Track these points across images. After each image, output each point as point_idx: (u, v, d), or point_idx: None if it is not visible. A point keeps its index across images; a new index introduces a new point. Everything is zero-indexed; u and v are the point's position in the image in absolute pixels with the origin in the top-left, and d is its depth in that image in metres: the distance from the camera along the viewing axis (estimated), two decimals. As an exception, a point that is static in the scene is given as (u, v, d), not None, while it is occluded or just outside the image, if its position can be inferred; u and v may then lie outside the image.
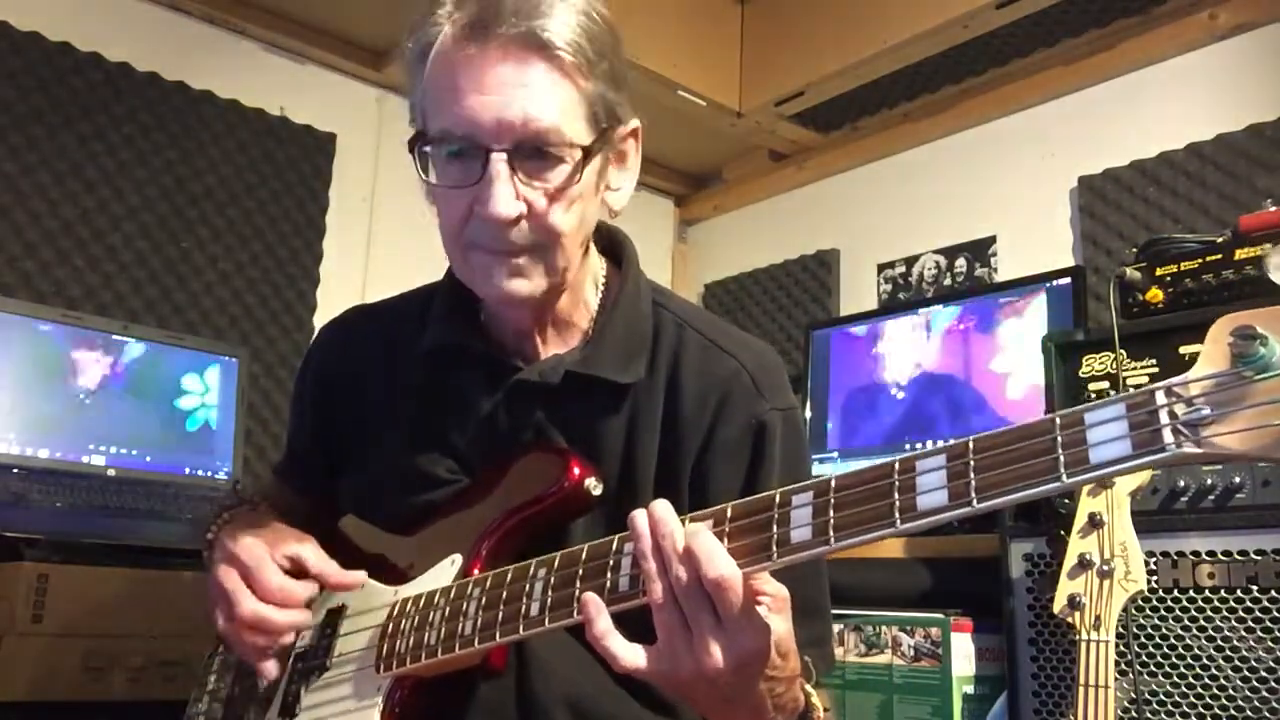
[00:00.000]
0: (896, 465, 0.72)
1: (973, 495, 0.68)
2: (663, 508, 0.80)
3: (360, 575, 1.09)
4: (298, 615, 1.05)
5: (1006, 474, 0.67)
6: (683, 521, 0.81)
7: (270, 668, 1.07)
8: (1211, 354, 0.62)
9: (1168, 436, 0.61)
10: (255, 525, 1.12)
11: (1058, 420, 0.66)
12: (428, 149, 1.01)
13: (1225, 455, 0.59)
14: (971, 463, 0.68)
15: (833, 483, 0.75)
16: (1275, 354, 0.58)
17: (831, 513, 0.74)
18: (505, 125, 0.96)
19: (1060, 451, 0.65)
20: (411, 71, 1.03)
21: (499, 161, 0.97)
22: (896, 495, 0.71)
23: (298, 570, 1.08)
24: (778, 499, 0.78)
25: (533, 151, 0.98)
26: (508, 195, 0.97)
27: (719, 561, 0.76)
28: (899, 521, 0.70)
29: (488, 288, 1.04)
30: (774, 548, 0.76)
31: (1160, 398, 0.62)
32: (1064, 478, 0.64)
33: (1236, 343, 0.59)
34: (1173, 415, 0.61)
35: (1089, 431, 0.64)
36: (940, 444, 0.72)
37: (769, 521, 0.77)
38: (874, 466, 0.74)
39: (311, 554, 1.08)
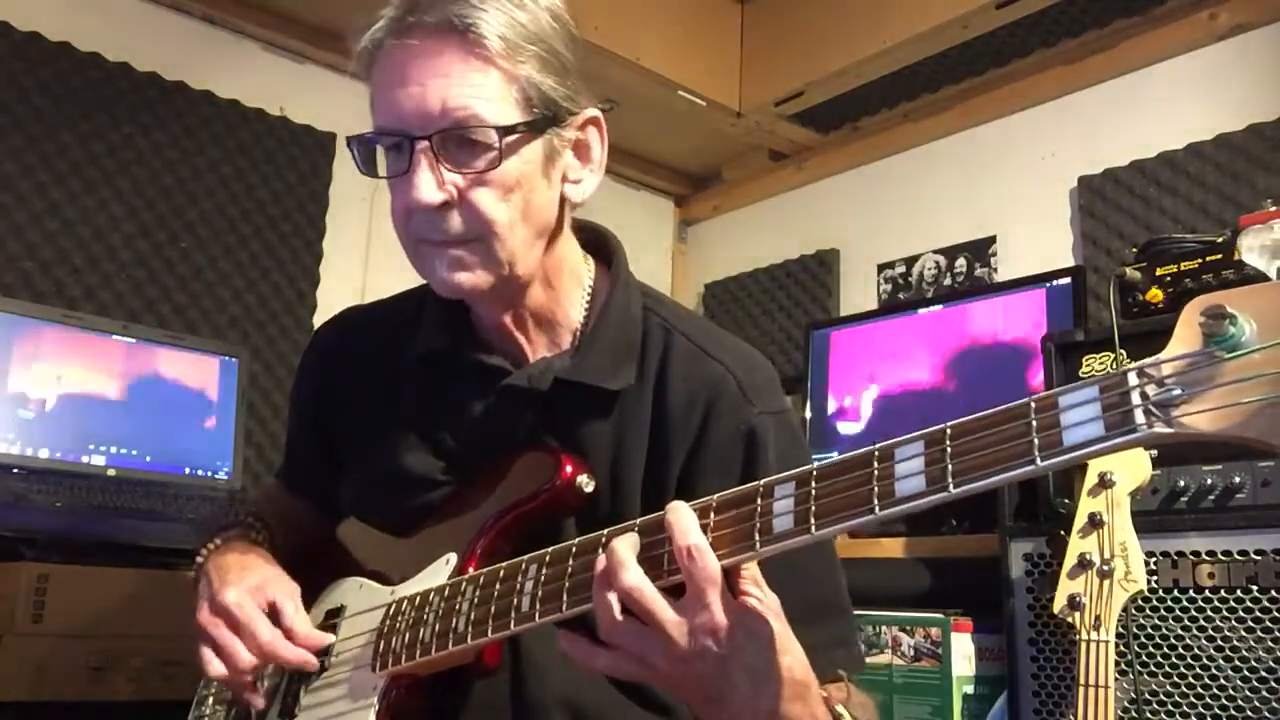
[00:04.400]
0: (876, 453, 0.73)
1: (949, 480, 0.68)
2: (623, 548, 0.81)
3: (328, 638, 1.09)
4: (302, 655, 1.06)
5: (982, 458, 0.67)
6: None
7: (258, 700, 1.08)
8: (1184, 335, 0.62)
9: (1139, 417, 0.61)
10: (242, 566, 1.11)
11: (1032, 404, 0.66)
12: (374, 144, 1.04)
13: (1195, 436, 0.59)
14: (948, 448, 0.69)
15: (814, 472, 0.76)
16: (1244, 333, 0.58)
17: (812, 501, 0.75)
18: (425, 114, 0.97)
19: (1034, 435, 0.65)
20: (362, 74, 1.05)
21: (421, 150, 0.98)
22: (875, 482, 0.72)
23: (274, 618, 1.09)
24: (761, 489, 0.78)
25: (456, 139, 0.98)
26: (428, 182, 0.98)
27: (683, 534, 0.77)
28: (878, 508, 0.71)
29: (434, 280, 1.05)
30: (757, 537, 0.77)
31: (1132, 379, 0.62)
32: (1038, 460, 0.64)
33: (1207, 322, 0.59)
34: (1144, 396, 0.61)
35: (1063, 414, 0.64)
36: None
37: (752, 512, 0.78)
38: (854, 455, 0.74)
39: (290, 607, 1.08)
